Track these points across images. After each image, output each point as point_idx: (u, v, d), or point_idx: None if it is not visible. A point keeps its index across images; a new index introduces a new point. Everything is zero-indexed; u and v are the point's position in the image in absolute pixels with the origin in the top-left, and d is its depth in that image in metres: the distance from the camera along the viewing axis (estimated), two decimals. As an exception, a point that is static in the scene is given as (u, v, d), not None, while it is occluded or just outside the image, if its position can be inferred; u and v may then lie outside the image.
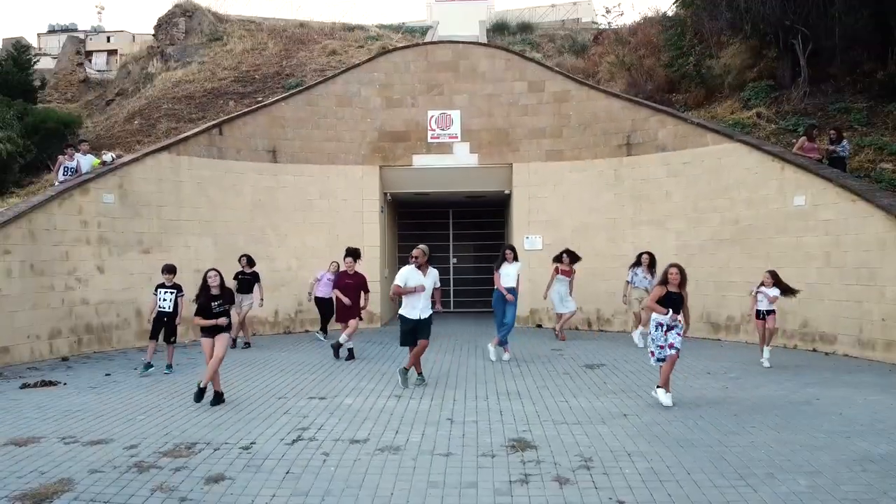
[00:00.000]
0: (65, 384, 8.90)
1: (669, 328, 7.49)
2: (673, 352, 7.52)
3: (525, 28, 28.62)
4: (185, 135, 13.95)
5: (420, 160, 15.18)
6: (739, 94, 16.46)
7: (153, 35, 28.36)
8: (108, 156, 12.72)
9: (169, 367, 9.78)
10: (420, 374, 8.86)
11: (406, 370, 8.69)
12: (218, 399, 7.69)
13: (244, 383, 8.84)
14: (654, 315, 7.61)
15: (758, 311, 10.02)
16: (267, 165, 14.56)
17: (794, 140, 13.39)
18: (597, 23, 28.03)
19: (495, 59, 15.22)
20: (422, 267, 8.61)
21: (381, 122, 15.17)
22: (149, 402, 7.83)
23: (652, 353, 7.64)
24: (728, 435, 6.27)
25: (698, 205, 13.21)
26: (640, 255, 12.14)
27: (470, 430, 6.52)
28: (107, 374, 9.59)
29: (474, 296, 19.29)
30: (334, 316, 11.59)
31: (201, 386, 7.69)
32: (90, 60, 53.12)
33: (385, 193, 15.88)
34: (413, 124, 15.16)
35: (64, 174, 12.17)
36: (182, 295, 9.82)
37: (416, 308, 8.58)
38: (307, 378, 9.20)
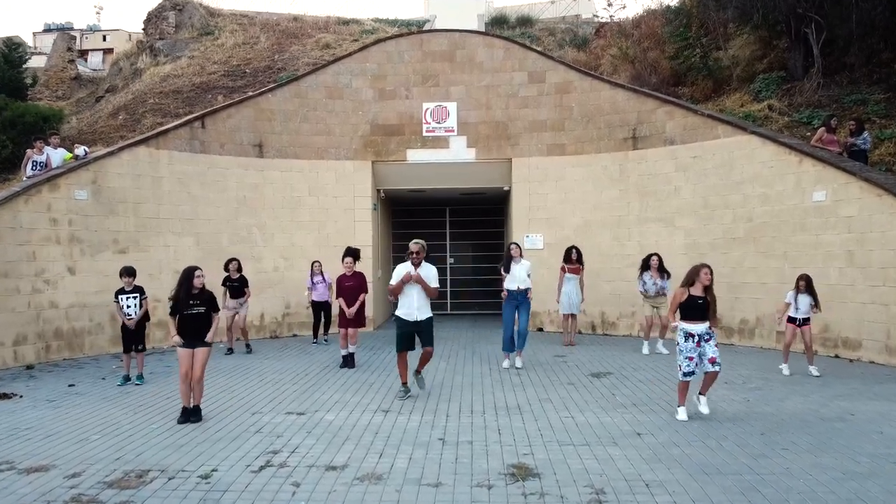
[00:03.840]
0: (21, 396, 8.12)
1: (702, 339, 6.75)
2: (716, 368, 6.79)
3: (525, 22, 27.85)
4: (165, 128, 13.18)
5: (415, 155, 14.41)
6: (749, 87, 15.70)
7: (143, 30, 27.69)
8: (80, 149, 11.94)
9: (140, 377, 9.00)
10: (419, 372, 8.07)
11: (405, 384, 7.96)
12: (196, 414, 6.88)
13: (218, 395, 8.07)
14: (682, 324, 6.84)
15: (791, 318, 9.17)
16: (253, 160, 13.79)
17: (809, 133, 12.66)
18: (598, 15, 27.32)
19: (493, 49, 14.45)
20: (417, 264, 7.82)
21: (373, 114, 14.40)
22: (109, 417, 7.06)
23: (679, 366, 6.88)
24: (758, 459, 5.50)
25: (709, 201, 12.45)
26: (648, 258, 11.31)
27: (464, 452, 5.75)
28: (70, 385, 8.81)
29: (472, 297, 18.54)
30: (335, 321, 10.75)
31: (188, 407, 6.87)
32: (86, 59, 52.40)
33: (378, 190, 15.13)
34: (407, 117, 14.38)
35: (32, 169, 11.40)
36: (146, 297, 9.08)
37: (412, 308, 7.77)
38: (288, 389, 8.43)
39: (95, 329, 11.51)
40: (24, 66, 25.93)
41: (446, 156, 14.37)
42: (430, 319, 7.92)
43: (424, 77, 14.43)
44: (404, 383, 7.95)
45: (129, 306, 8.85)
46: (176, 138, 12.97)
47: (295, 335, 13.77)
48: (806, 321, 9.14)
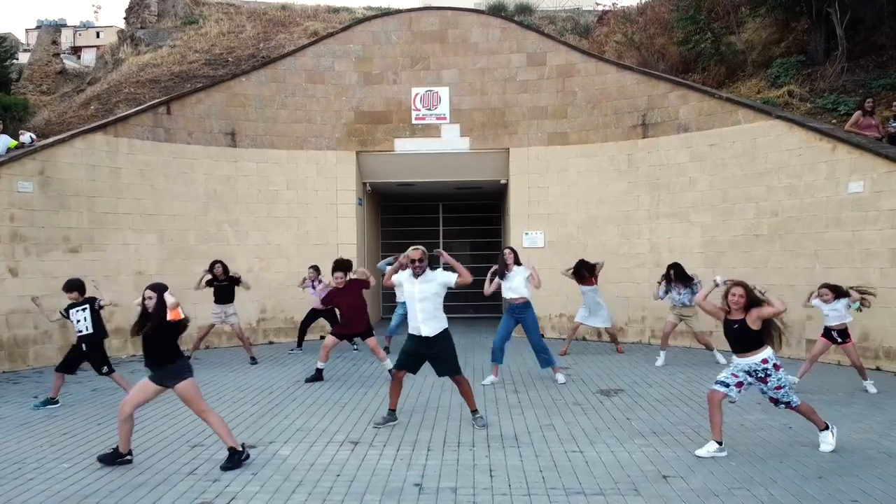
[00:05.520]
0: (-74, 422, 6.88)
1: (752, 375, 5.59)
2: (779, 408, 5.80)
3: (523, 10, 26.65)
4: (125, 113, 11.97)
5: (403, 145, 13.16)
6: (765, 72, 14.47)
7: (124, 19, 26.56)
8: (25, 136, 10.70)
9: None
10: (475, 411, 6.61)
11: (392, 412, 6.63)
12: (238, 458, 5.34)
13: (160, 420, 6.82)
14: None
15: (827, 329, 7.90)
16: (224, 150, 12.54)
17: (835, 121, 11.47)
18: (600, 3, 26.11)
19: (489, 29, 13.20)
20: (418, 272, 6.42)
21: (358, 100, 13.15)
22: (16, 452, 5.80)
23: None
24: (824, 517, 4.27)
25: (728, 194, 11.20)
26: (667, 271, 9.95)
27: (445, 505, 4.51)
28: (-9, 407, 7.57)
29: (467, 300, 17.28)
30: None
31: (121, 451, 5.38)
32: (79, 56, 51.16)
33: (364, 183, 13.89)
34: (395, 103, 13.14)
35: (-30, 157, 10.15)
36: (101, 307, 7.66)
37: (416, 320, 6.37)
38: (245, 411, 7.18)
39: (41, 338, 10.27)
40: (11, 60, 25.02)
41: (438, 145, 13.13)
42: (444, 335, 6.44)
43: (414, 59, 13.18)
44: (391, 410, 6.62)
45: (78, 320, 7.49)
46: (137, 125, 11.73)
47: (271, 342, 12.53)
48: (845, 336, 7.84)
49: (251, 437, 6.15)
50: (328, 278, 9.88)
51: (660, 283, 10.04)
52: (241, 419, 6.85)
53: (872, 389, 7.80)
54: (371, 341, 8.76)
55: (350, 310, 8.85)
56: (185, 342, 10.00)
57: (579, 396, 7.77)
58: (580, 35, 21.89)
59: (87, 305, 7.60)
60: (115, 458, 5.38)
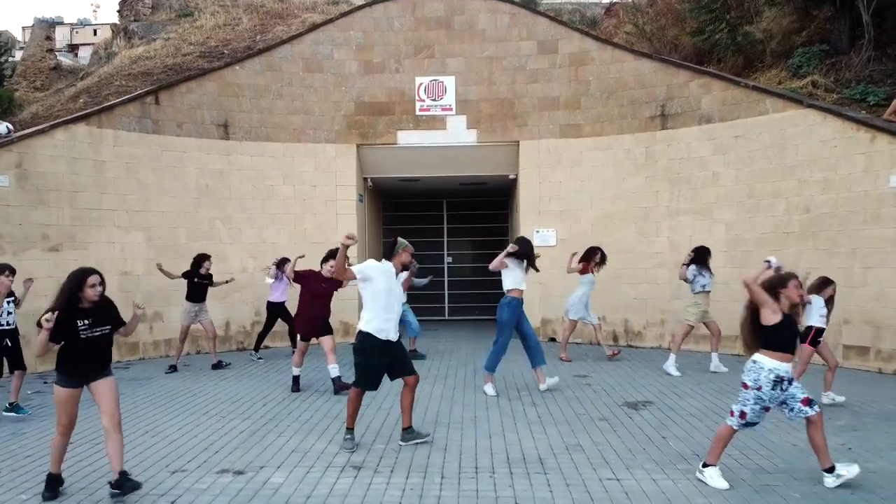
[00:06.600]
0: None
1: (789, 382, 4.80)
2: (816, 408, 4.76)
3: (529, 3, 26.00)
4: (110, 103, 11.24)
5: (406, 137, 12.44)
6: (786, 62, 13.75)
7: (118, 11, 25.93)
8: (2, 126, 9.99)
9: (13, 405, 7.05)
10: (409, 428, 5.92)
11: (351, 430, 5.91)
12: (127, 484, 4.53)
13: (136, 439, 6.09)
14: (767, 362, 4.74)
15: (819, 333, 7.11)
16: (217, 143, 11.81)
17: (864, 111, 10.77)
18: (606, -3, 25.42)
19: (497, 14, 12.48)
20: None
21: (358, 90, 12.43)
22: (-28, 478, 5.09)
23: (743, 413, 4.78)
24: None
25: (755, 189, 10.49)
26: (706, 250, 9.27)
27: (466, 553, 3.79)
28: (-55, 423, 6.84)
29: (472, 301, 16.57)
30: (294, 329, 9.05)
31: (57, 474, 4.71)
32: (76, 54, 50.47)
33: (365, 179, 13.16)
34: (398, 94, 12.41)
35: (-60, 149, 9.44)
36: (19, 302, 7.14)
37: (391, 322, 5.72)
38: (235, 428, 6.45)
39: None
40: (6, 57, 24.45)
41: (443, 138, 12.40)
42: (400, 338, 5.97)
43: (417, 47, 12.45)
44: (351, 428, 5.87)
45: (9, 312, 6.91)
46: (123, 115, 11.01)
47: (266, 347, 11.76)
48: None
49: (241, 460, 5.42)
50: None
51: (686, 265, 9.23)
52: (230, 437, 6.11)
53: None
54: (329, 341, 8.03)
55: (317, 311, 8.11)
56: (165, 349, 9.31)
57: (605, 410, 7.04)
58: (588, 27, 21.23)
59: (11, 299, 7.06)
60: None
